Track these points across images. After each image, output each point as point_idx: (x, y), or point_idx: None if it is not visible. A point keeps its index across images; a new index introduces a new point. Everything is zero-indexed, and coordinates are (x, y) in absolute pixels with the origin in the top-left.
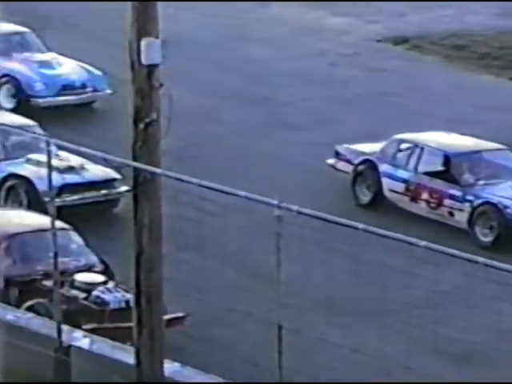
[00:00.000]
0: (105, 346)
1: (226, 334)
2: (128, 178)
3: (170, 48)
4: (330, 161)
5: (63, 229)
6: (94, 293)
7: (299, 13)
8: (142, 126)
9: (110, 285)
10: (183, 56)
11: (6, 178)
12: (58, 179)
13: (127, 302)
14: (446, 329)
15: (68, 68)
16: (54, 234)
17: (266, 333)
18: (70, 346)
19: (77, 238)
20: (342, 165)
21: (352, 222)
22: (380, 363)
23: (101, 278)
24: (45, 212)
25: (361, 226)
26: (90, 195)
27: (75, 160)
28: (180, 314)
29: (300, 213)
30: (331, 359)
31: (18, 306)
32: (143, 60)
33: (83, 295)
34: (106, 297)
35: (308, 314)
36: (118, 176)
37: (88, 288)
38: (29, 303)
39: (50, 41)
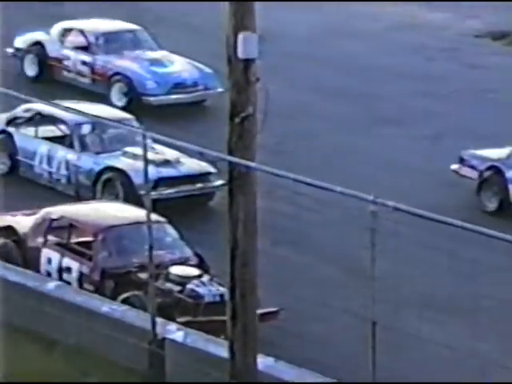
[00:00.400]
0: (199, 340)
1: (319, 329)
2: (223, 172)
3: (266, 43)
4: (454, 166)
5: (158, 222)
6: (189, 286)
7: (396, 8)
8: (237, 120)
9: (205, 278)
10: (280, 51)
11: (102, 171)
12: (153, 172)
13: (221, 295)
14: None
15: (179, 66)
16: (150, 226)
17: (360, 328)
18: (164, 339)
19: (172, 231)
20: (466, 170)
21: (449, 219)
22: (473, 361)
23: (195, 272)
24: (140, 205)
25: (457, 222)
26: (186, 189)
27: (171, 154)
28: (274, 309)
29: (396, 209)
30: (424, 356)
31: (113, 298)
32: (240, 54)
33: (178, 288)
34: (201, 290)
35: (402, 311)
36: (213, 170)
37: (183, 281)
38: (124, 295)
39: (162, 38)
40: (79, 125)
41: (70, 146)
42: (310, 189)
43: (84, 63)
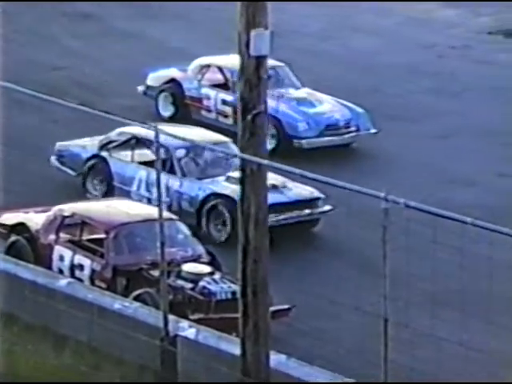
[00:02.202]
0: (210, 337)
1: (331, 326)
2: (331, 197)
3: (279, 39)
4: None
5: (170, 219)
6: (201, 283)
7: (408, 4)
8: (249, 117)
9: (217, 276)
10: (292, 47)
11: (207, 198)
12: None
13: (233, 293)
14: None
15: (329, 106)
16: (161, 223)
17: (373, 326)
18: (176, 336)
19: (184, 228)
20: None
21: (460, 216)
22: (486, 358)
23: (207, 269)
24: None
25: (469, 219)
26: (295, 215)
27: (276, 178)
28: (285, 306)
29: (407, 206)
30: (437, 353)
31: (125, 295)
32: (252, 51)
33: (190, 285)
34: (213, 287)
35: (414, 308)
36: (321, 195)
37: (195, 278)
38: (136, 292)
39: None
40: (179, 149)
41: (170, 171)
42: (320, 185)
43: (225, 103)
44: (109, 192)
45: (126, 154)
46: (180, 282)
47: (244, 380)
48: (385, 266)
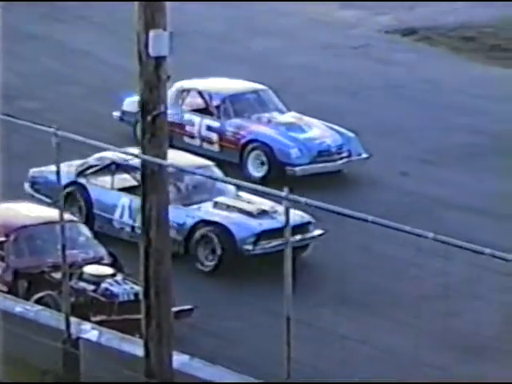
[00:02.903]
0: (113, 338)
1: (234, 326)
2: (322, 221)
3: (179, 40)
4: None
5: (72, 221)
6: (103, 285)
7: (308, 5)
8: (149, 118)
9: (119, 277)
10: (192, 48)
11: (196, 225)
12: (254, 225)
13: (136, 294)
14: (455, 321)
15: (319, 131)
16: (62, 226)
17: (276, 325)
18: (78, 338)
19: (85, 231)
20: None
21: (361, 214)
22: (389, 356)
23: (109, 271)
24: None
25: (370, 218)
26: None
27: (264, 203)
28: (188, 307)
29: (307, 204)
30: (340, 351)
31: (27, 298)
32: (151, 52)
33: (92, 287)
34: (115, 289)
35: (318, 306)
36: (312, 219)
37: (96, 280)
38: (38, 295)
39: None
40: None
41: None
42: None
43: (210, 129)
44: (89, 220)
45: (105, 180)
46: (82, 284)
47: (148, 381)
48: (286, 265)
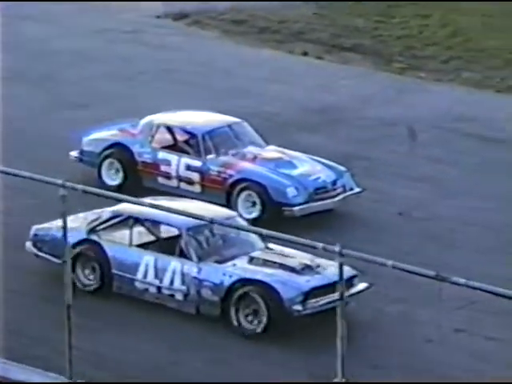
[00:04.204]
0: None
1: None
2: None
3: None
4: None
5: None
6: None
7: None
8: None
9: None
10: None
11: (234, 284)
12: (301, 282)
13: None
14: None
15: (309, 166)
16: None
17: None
18: None
19: None
20: None
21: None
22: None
23: None
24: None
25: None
26: (335, 298)
27: (305, 256)
28: None
29: (85, 192)
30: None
31: None
32: None
33: None
34: None
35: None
36: (356, 272)
37: None
38: None
39: None
40: (191, 229)
41: (182, 254)
42: None
43: (190, 168)
44: (106, 281)
45: (122, 236)
46: None
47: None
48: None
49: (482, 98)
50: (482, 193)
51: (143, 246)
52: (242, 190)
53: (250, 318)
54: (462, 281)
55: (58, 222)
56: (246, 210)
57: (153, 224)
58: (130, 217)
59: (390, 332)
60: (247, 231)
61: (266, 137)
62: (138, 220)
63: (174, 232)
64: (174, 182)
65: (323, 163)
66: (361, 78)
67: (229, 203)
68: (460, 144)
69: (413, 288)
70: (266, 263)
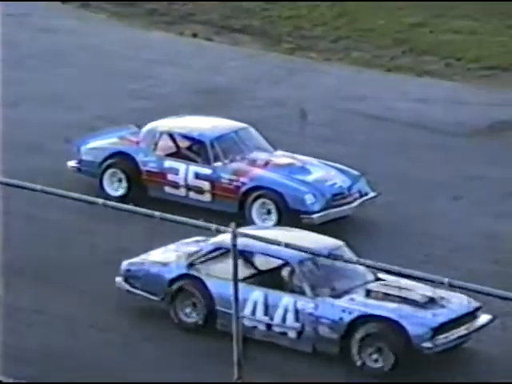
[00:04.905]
0: None
1: None
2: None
3: None
4: None
5: None
6: None
7: None
8: None
9: None
10: None
11: (355, 321)
12: (428, 317)
13: None
14: None
15: (323, 171)
16: None
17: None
18: None
19: None
20: None
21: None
22: (65, 323)
23: None
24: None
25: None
26: (462, 333)
27: (426, 288)
28: None
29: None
30: (16, 323)
31: None
32: None
33: None
34: None
35: None
36: (479, 304)
37: None
38: None
39: None
40: (304, 262)
41: (293, 289)
42: None
43: (199, 176)
44: (209, 319)
45: (221, 270)
46: None
47: None
48: None
49: (371, 77)
50: (372, 172)
51: (246, 279)
52: (257, 198)
53: (374, 356)
54: None
55: (151, 256)
56: (261, 218)
57: (256, 256)
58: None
59: None
60: (368, 267)
61: (162, 119)
62: (242, 253)
63: (275, 263)
64: (182, 192)
65: (336, 168)
66: (250, 59)
67: (241, 212)
68: (350, 123)
69: None
70: (386, 297)
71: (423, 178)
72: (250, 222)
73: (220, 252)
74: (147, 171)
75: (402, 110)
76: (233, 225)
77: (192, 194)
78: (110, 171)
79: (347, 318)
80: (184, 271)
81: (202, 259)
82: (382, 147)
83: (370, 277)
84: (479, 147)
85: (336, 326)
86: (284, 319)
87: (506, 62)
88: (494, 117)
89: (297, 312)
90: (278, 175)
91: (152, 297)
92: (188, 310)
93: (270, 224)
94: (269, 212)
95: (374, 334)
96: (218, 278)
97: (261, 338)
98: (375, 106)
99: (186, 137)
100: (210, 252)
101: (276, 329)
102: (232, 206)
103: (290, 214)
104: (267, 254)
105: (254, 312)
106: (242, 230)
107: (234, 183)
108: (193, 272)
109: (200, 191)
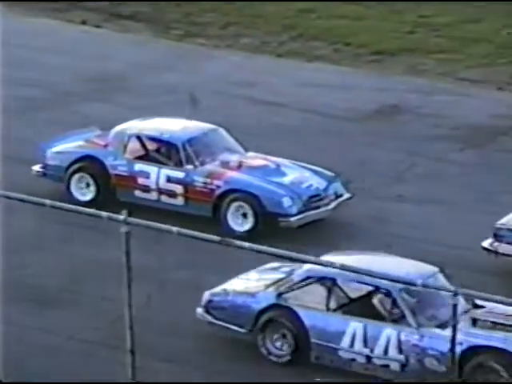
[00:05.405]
0: None
1: None
2: None
3: None
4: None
5: None
6: None
7: None
8: None
9: None
10: None
11: (466, 352)
12: None
13: None
14: (21, 275)
15: (298, 172)
16: None
17: None
18: None
19: None
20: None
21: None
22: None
23: None
24: None
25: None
26: None
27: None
28: None
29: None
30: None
31: None
32: None
33: None
34: None
35: None
36: None
37: None
38: None
39: None
40: (405, 290)
41: (394, 320)
42: None
43: (171, 180)
44: (300, 352)
45: (310, 299)
46: None
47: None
48: None
49: (261, 62)
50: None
51: (339, 309)
52: (232, 201)
53: None
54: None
55: (233, 285)
56: (237, 222)
57: (350, 284)
58: (324, 277)
59: None
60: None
61: (51, 107)
62: (335, 281)
63: (364, 290)
64: (153, 195)
65: (310, 169)
66: (140, 46)
67: (215, 216)
68: (241, 109)
69: None
70: (494, 326)
71: (316, 164)
72: (224, 226)
73: (310, 281)
74: (116, 175)
75: (293, 96)
76: (125, 212)
77: (164, 198)
78: (77, 175)
79: (457, 349)
80: (273, 301)
81: (293, 287)
82: (274, 132)
83: (464, 303)
84: (369, 131)
85: (444, 358)
86: (386, 351)
87: (394, 47)
88: (382, 101)
89: (400, 343)
90: (253, 177)
91: (238, 328)
92: (279, 345)
93: (246, 227)
94: (244, 215)
95: (485, 366)
96: (309, 308)
97: (360, 370)
98: (266, 92)
99: (156, 139)
100: (302, 281)
101: (377, 361)
102: (206, 209)
103: (266, 218)
104: (363, 283)
105: (352, 344)
106: (330, 256)
107: (209, 186)
108: (283, 302)
109: (172, 195)
